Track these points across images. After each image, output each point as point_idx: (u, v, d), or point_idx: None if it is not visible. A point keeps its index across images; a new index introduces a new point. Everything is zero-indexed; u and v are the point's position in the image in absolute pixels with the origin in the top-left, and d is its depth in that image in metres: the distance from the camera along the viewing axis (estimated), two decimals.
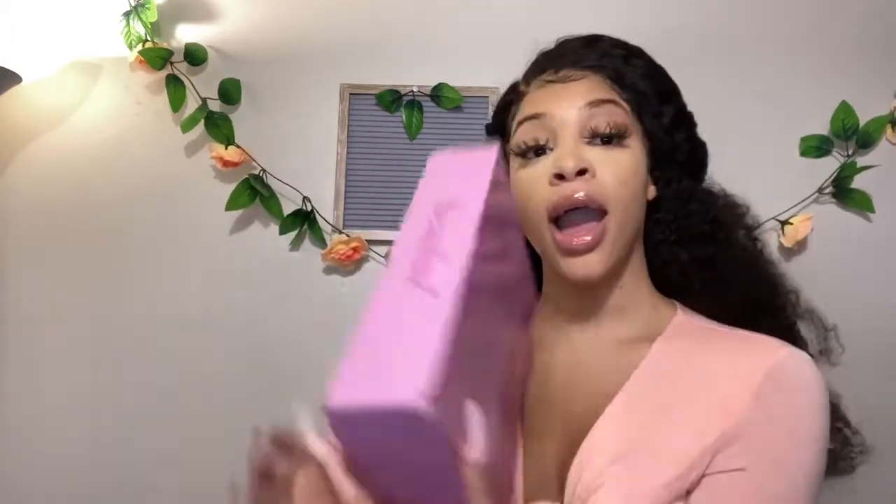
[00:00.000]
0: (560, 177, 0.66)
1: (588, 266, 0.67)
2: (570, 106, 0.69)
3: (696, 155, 0.77)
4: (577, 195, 0.66)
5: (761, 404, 0.61)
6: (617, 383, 0.68)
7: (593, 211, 0.67)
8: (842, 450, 0.78)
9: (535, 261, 0.73)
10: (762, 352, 0.65)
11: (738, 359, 0.65)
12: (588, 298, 0.73)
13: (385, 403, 0.37)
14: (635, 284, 0.73)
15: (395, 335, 0.40)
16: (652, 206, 0.74)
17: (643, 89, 0.71)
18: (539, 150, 0.70)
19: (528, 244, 0.71)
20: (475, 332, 0.43)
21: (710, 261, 0.73)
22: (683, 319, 0.72)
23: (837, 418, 0.77)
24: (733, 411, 0.62)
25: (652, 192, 0.73)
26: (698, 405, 0.64)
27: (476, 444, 0.42)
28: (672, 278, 0.74)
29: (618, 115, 0.69)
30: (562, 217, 0.67)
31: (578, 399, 0.71)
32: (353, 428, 0.40)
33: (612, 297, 0.72)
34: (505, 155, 0.74)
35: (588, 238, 0.66)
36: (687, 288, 0.74)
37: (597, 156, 0.68)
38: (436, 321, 0.39)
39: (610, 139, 0.68)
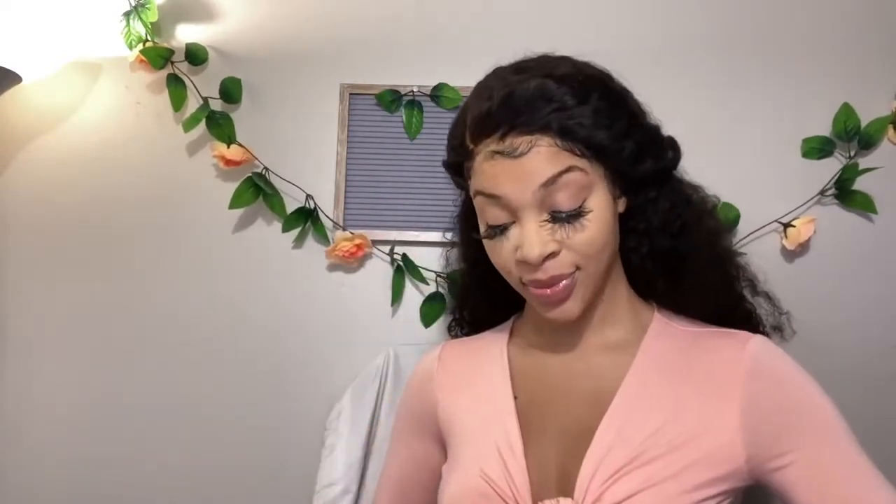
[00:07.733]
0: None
1: (565, 313, 0.71)
2: (525, 189, 0.67)
3: (663, 163, 0.76)
4: (544, 277, 0.68)
5: (756, 379, 0.69)
6: (611, 382, 0.72)
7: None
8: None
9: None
10: (739, 341, 0.72)
11: (721, 349, 0.72)
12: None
13: None
14: (615, 294, 0.77)
15: None
16: (624, 216, 0.76)
17: (597, 140, 0.68)
18: (502, 228, 0.70)
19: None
20: None
21: (679, 255, 0.79)
22: (662, 321, 0.77)
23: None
24: (735, 392, 0.68)
25: (622, 204, 0.75)
26: (700, 396, 0.69)
27: None
28: (648, 275, 0.79)
29: (574, 180, 0.67)
30: None
31: (574, 400, 0.73)
32: None
33: (597, 310, 0.77)
34: (465, 187, 0.76)
35: (561, 292, 0.69)
36: (658, 285, 0.80)
37: (562, 234, 0.68)
38: None
39: (572, 214, 0.67)
